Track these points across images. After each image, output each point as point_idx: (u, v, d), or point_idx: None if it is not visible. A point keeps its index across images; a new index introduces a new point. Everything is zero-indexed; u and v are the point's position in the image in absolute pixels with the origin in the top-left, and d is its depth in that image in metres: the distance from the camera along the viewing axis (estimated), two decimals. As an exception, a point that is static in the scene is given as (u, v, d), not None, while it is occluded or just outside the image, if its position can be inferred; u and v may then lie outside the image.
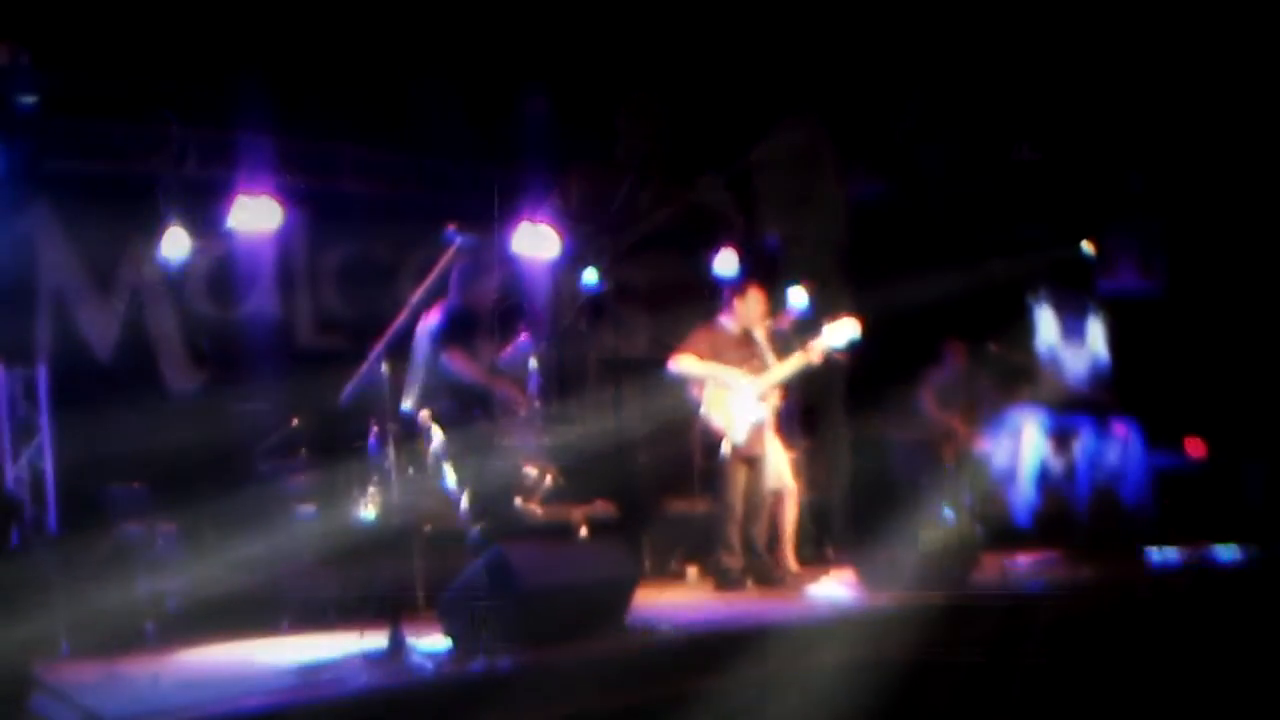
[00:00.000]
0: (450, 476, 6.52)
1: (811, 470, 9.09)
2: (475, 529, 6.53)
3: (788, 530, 7.98)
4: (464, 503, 6.69)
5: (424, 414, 6.67)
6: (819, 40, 8.76)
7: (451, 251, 6.24)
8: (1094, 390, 10.15)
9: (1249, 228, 11.49)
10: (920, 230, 11.04)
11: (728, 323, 7.87)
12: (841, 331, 7.65)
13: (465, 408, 6.55)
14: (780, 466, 7.90)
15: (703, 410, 7.68)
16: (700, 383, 7.70)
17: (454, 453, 6.49)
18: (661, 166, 8.36)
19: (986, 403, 9.38)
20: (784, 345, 7.82)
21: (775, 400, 7.89)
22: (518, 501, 7.56)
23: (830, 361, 7.82)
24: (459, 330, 6.64)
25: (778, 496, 7.89)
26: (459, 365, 6.49)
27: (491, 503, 6.52)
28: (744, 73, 9.01)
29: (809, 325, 7.99)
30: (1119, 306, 12.58)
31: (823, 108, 9.51)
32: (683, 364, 7.71)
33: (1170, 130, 10.34)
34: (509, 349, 6.98)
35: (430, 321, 6.74)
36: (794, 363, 7.68)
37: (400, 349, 6.23)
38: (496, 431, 6.78)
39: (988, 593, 6.98)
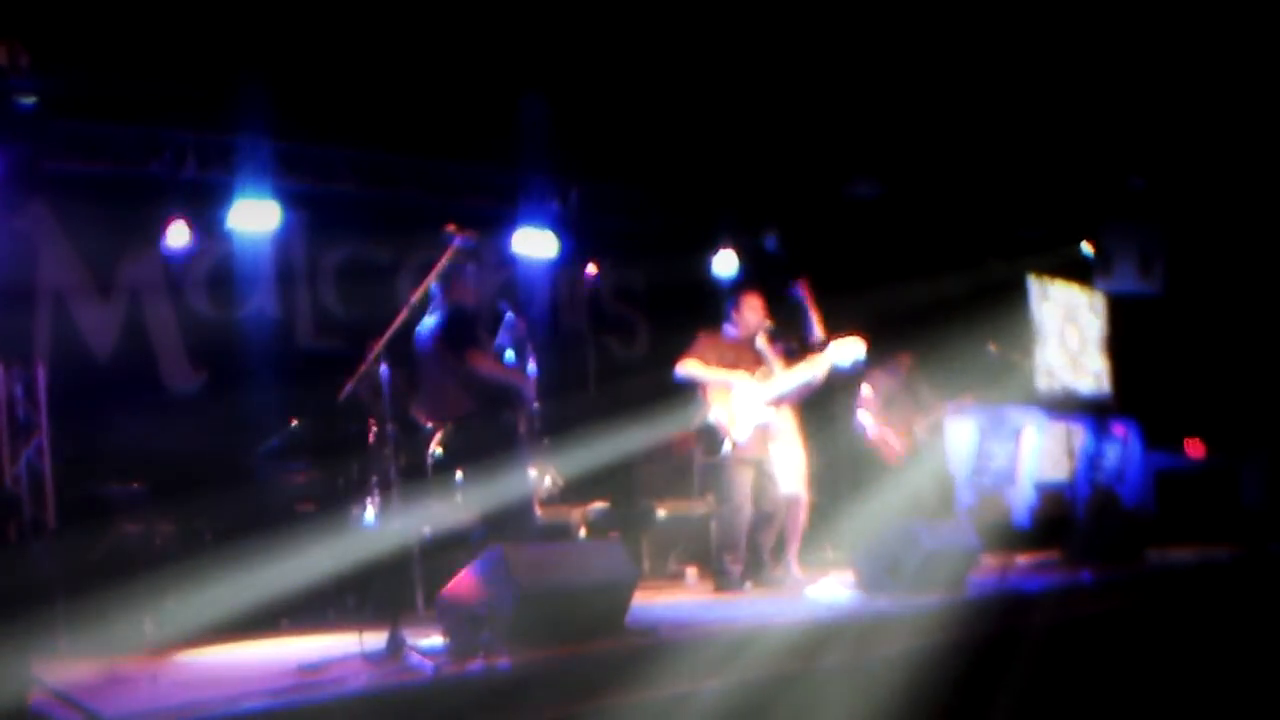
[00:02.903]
0: (466, 480, 6.53)
1: (811, 471, 9.09)
2: (482, 530, 6.54)
3: (796, 536, 7.97)
4: (479, 507, 6.70)
5: (440, 419, 6.69)
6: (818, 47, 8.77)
7: (450, 252, 6.24)
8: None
9: (1248, 228, 11.51)
10: (920, 230, 11.06)
11: (731, 331, 7.88)
12: (847, 350, 7.63)
13: (491, 410, 6.57)
14: (796, 472, 7.87)
15: (708, 414, 7.68)
16: (704, 386, 7.70)
17: (474, 457, 6.50)
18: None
19: (927, 412, 9.36)
20: (794, 350, 7.84)
21: (786, 407, 7.88)
22: (538, 510, 7.55)
23: (833, 376, 7.80)
24: (466, 332, 6.65)
25: (790, 503, 7.87)
26: (484, 366, 6.52)
27: (512, 511, 6.52)
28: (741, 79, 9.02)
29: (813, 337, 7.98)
30: (1119, 306, 12.63)
31: (822, 111, 9.52)
32: (688, 368, 7.72)
33: (1170, 132, 10.35)
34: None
35: (425, 330, 6.73)
36: (798, 374, 7.69)
37: (400, 349, 6.23)
38: (519, 433, 6.78)
39: (987, 593, 6.98)
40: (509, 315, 7.04)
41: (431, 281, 6.34)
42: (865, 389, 9.14)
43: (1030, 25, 8.71)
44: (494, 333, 7.05)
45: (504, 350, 6.96)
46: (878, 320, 8.38)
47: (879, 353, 8.47)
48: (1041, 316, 12.14)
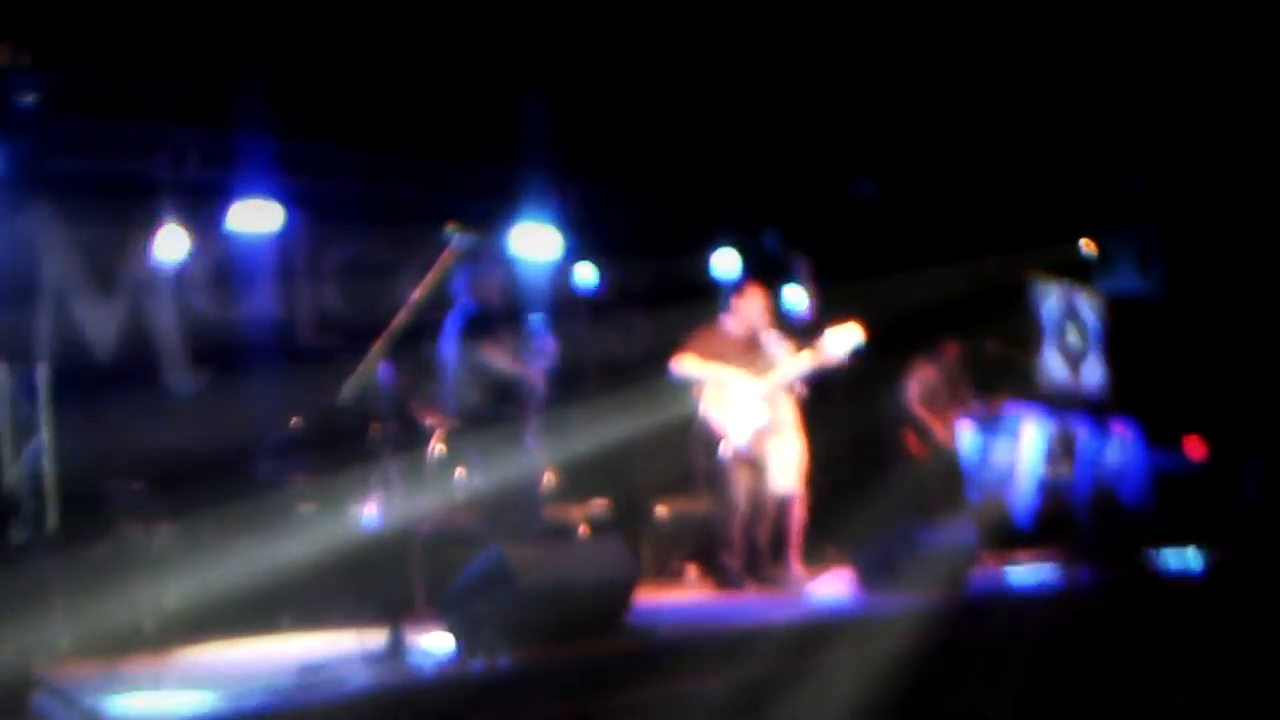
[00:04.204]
0: (470, 475, 6.56)
1: (811, 470, 9.09)
2: (482, 528, 6.56)
3: (795, 534, 7.96)
4: (485, 501, 6.73)
5: (447, 415, 6.73)
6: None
7: (450, 251, 6.24)
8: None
9: (1247, 228, 11.52)
10: (920, 230, 11.06)
11: (730, 324, 7.86)
12: (844, 337, 7.61)
13: (498, 402, 6.63)
14: (792, 468, 7.83)
15: (702, 411, 7.67)
16: (701, 384, 7.69)
17: (479, 451, 6.53)
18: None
19: (967, 407, 9.34)
20: (792, 344, 7.81)
21: (789, 400, 7.84)
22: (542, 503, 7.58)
23: (833, 365, 7.78)
24: (482, 325, 6.75)
25: (787, 499, 7.84)
26: (495, 358, 6.61)
27: (517, 503, 6.55)
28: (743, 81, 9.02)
29: (811, 328, 7.98)
30: (1119, 306, 12.64)
31: (822, 110, 9.52)
32: (684, 365, 7.71)
33: (1169, 131, 10.34)
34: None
35: (449, 325, 6.81)
36: (795, 365, 7.66)
37: (399, 349, 6.24)
38: (526, 427, 6.84)
39: (987, 593, 6.98)
40: (537, 327, 7.14)
41: (448, 279, 6.40)
42: (912, 378, 9.19)
43: (1029, 25, 8.71)
44: (509, 333, 7.11)
45: (526, 353, 7.05)
46: (877, 319, 8.37)
47: (880, 349, 8.48)
48: (1042, 315, 12.15)
